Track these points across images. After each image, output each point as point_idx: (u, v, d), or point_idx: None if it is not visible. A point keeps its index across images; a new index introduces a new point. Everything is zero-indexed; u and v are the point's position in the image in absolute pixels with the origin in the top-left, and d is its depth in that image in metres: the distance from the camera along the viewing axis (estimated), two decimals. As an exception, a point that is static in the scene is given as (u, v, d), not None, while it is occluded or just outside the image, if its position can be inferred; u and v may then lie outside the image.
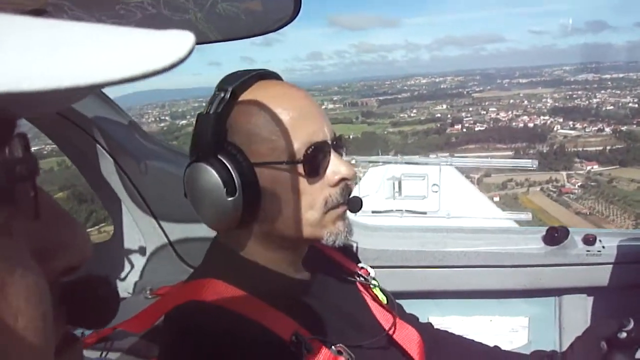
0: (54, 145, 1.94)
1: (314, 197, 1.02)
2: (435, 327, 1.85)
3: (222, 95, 0.99)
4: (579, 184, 44.59)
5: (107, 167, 1.82)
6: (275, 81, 1.09)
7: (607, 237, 1.86)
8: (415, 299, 1.90)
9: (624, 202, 42.10)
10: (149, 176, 1.81)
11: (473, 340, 1.50)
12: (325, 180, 1.03)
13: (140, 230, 1.92)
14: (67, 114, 1.73)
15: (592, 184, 44.30)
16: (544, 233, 1.84)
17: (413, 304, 1.86)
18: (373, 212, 1.93)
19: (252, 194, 0.97)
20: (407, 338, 1.31)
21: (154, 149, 1.87)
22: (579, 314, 1.89)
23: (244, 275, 1.04)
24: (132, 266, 1.92)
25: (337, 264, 1.35)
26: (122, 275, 1.90)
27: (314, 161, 1.00)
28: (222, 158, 0.96)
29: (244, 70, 1.05)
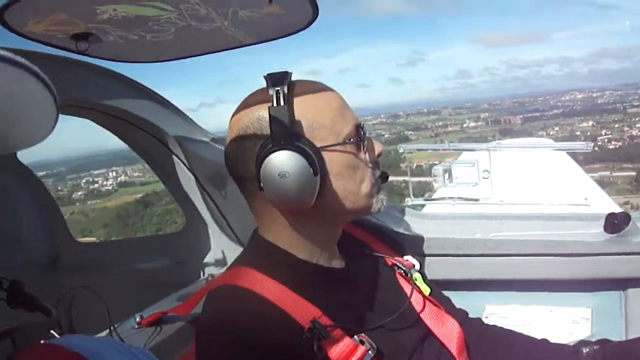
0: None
1: (364, 171, 1.24)
2: (493, 316, 1.90)
3: (282, 90, 1.15)
4: None
5: (185, 177, 2.05)
6: (304, 80, 1.27)
7: None
8: (471, 289, 1.93)
9: None
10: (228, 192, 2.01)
11: (521, 334, 1.52)
12: (368, 157, 1.25)
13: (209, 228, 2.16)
14: (155, 132, 1.96)
15: None
16: (604, 220, 1.79)
17: (469, 294, 1.92)
18: (425, 200, 1.99)
19: (325, 173, 1.17)
20: (447, 330, 1.39)
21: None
22: None
23: (276, 264, 1.20)
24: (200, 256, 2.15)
25: (378, 254, 1.46)
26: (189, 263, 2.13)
27: (363, 140, 1.23)
28: (299, 144, 1.14)
29: (280, 72, 1.21)
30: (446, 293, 1.60)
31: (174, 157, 1.98)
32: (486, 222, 1.93)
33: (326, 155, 1.18)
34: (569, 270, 1.82)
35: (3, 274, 1.28)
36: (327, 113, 1.21)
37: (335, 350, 1.09)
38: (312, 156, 1.13)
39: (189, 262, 2.12)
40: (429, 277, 1.82)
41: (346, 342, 1.11)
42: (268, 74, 1.20)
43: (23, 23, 1.24)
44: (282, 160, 1.12)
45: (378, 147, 1.29)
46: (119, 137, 2.03)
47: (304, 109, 1.19)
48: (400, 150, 1.89)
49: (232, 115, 1.27)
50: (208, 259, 2.13)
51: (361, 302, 1.28)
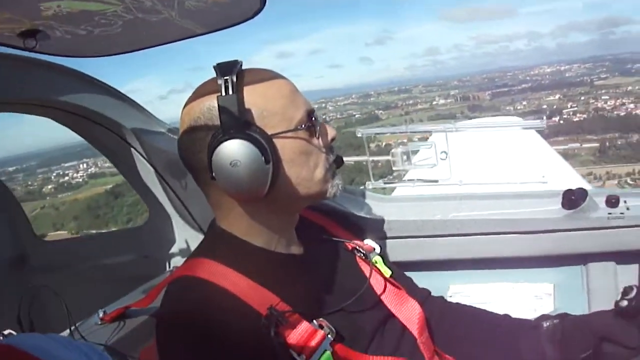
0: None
1: (318, 157, 1.25)
2: (457, 295, 1.94)
3: (231, 79, 1.15)
4: None
5: (145, 170, 2.06)
6: (254, 68, 1.27)
7: (631, 198, 1.81)
8: (435, 269, 1.98)
9: None
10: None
11: (484, 310, 1.56)
12: (321, 142, 1.26)
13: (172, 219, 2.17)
14: (112, 127, 1.97)
15: None
16: (562, 197, 1.83)
17: (432, 274, 1.96)
18: (385, 182, 2.02)
19: (278, 160, 1.18)
20: (408, 312, 1.42)
21: None
22: (608, 281, 1.85)
23: (233, 253, 1.21)
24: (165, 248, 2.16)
25: (338, 239, 1.48)
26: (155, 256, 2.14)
27: (312, 125, 1.23)
28: (250, 133, 1.14)
29: (229, 61, 1.20)
30: (410, 274, 1.62)
31: (133, 150, 1.99)
32: (446, 203, 1.96)
33: (278, 142, 1.19)
34: (529, 247, 1.86)
35: None
36: (277, 100, 1.21)
37: (293, 336, 1.10)
38: (263, 144, 1.14)
39: (154, 254, 2.13)
40: (392, 259, 1.87)
41: (305, 327, 1.13)
42: (217, 64, 1.20)
43: (-34, 23, 1.24)
44: (233, 149, 1.13)
45: (331, 132, 1.30)
46: (77, 133, 2.03)
47: (254, 97, 1.19)
48: (359, 135, 1.91)
49: (184, 107, 1.27)
50: (173, 250, 2.14)
51: (320, 287, 1.30)
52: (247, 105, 1.17)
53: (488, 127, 2.10)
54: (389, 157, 1.94)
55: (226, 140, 1.13)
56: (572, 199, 1.80)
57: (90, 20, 1.35)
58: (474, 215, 1.89)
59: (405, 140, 1.93)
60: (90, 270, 2.12)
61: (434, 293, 1.61)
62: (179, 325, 1.11)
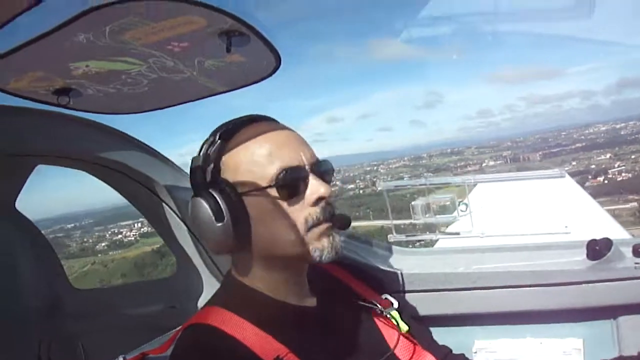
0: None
1: (294, 217, 1.23)
2: (482, 351, 1.91)
3: (211, 139, 1.25)
4: None
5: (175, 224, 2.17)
6: (261, 122, 1.31)
7: None
8: (459, 324, 1.95)
9: None
10: None
11: None
12: (305, 201, 1.24)
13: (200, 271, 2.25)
14: (146, 182, 2.10)
15: None
16: (586, 247, 1.80)
17: (456, 329, 1.94)
18: (407, 235, 2.04)
19: (239, 219, 1.21)
20: None
21: None
22: None
23: (245, 303, 1.26)
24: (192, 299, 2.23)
25: (354, 293, 1.50)
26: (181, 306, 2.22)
27: (289, 184, 1.22)
28: (212, 191, 1.21)
29: (237, 118, 1.31)
30: (433, 329, 1.64)
31: (164, 205, 2.10)
32: (468, 256, 1.96)
33: (249, 200, 1.22)
34: (554, 300, 1.83)
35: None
36: (252, 158, 1.24)
37: None
38: (218, 202, 1.19)
39: (181, 305, 2.20)
40: (413, 313, 1.87)
41: None
42: (223, 123, 1.31)
43: (6, 81, 1.38)
44: (193, 207, 1.23)
45: (323, 190, 1.25)
46: (113, 187, 2.16)
47: (230, 156, 1.25)
48: (379, 188, 1.96)
49: None
50: (199, 301, 2.21)
51: (331, 342, 1.31)
52: (222, 163, 1.25)
53: (506, 179, 2.10)
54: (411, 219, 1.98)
55: (193, 197, 1.25)
56: (597, 249, 1.78)
57: (118, 79, 1.49)
58: (496, 268, 1.88)
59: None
60: (119, 318, 2.20)
61: (458, 349, 1.61)
62: None
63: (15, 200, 2.13)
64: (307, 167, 1.25)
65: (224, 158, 1.25)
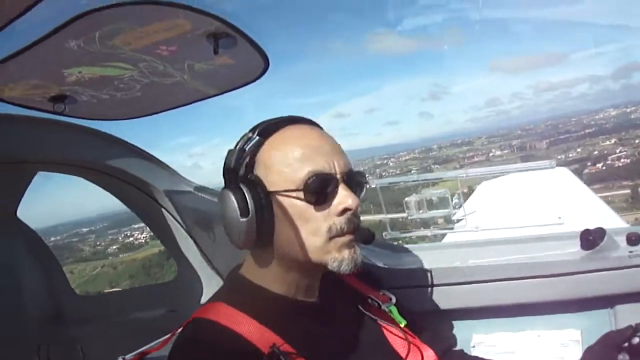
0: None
1: (318, 224, 1.25)
2: (481, 345, 1.94)
3: (249, 135, 1.29)
4: None
5: (174, 228, 2.22)
6: (300, 125, 1.34)
7: None
8: (456, 319, 2.00)
9: None
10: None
11: None
12: (331, 210, 1.26)
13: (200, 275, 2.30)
14: (143, 187, 2.14)
15: None
16: (579, 237, 1.83)
17: (455, 323, 1.98)
18: (401, 232, 2.08)
19: (264, 217, 1.24)
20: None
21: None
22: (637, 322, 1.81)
23: (246, 298, 1.30)
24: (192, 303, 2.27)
25: (353, 290, 1.54)
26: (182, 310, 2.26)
27: (316, 190, 1.24)
28: (242, 186, 1.24)
29: (278, 117, 1.34)
30: (432, 324, 1.67)
31: (163, 209, 2.15)
32: (464, 250, 2.00)
33: (276, 199, 1.24)
34: (550, 291, 1.86)
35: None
36: (286, 159, 1.25)
37: None
38: (245, 197, 1.22)
39: (182, 309, 2.24)
40: (412, 308, 1.90)
41: None
42: (263, 121, 1.34)
43: (1, 89, 1.44)
44: (221, 199, 1.26)
45: (350, 202, 1.26)
46: (112, 194, 2.22)
47: (266, 154, 1.27)
48: (373, 186, 2.00)
49: None
50: (200, 304, 2.25)
51: (330, 335, 1.34)
52: (259, 161, 1.27)
53: (498, 173, 2.14)
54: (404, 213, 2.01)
55: (223, 189, 1.27)
56: (590, 239, 1.81)
57: (111, 85, 1.55)
58: (492, 261, 1.91)
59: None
60: (119, 323, 2.25)
61: (458, 342, 1.65)
62: None
63: (16, 209, 2.19)
64: (338, 175, 1.26)
65: (258, 155, 1.27)
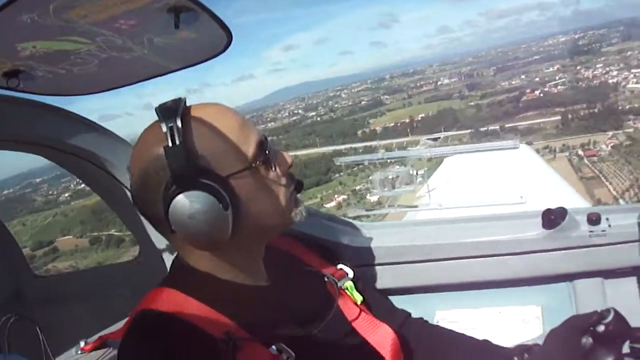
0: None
1: (278, 188, 1.29)
2: (443, 321, 1.99)
3: (175, 125, 1.16)
4: (612, 144, 42.39)
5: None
6: (198, 104, 1.29)
7: (614, 215, 1.86)
8: (419, 294, 2.04)
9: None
10: None
11: (462, 335, 1.61)
12: (278, 171, 1.29)
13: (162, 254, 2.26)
14: (86, 155, 2.07)
15: (629, 142, 41.82)
16: (541, 217, 1.88)
17: (417, 301, 2.02)
18: (366, 210, 2.10)
19: (237, 203, 1.20)
20: (380, 337, 1.46)
21: None
22: (596, 299, 1.88)
23: (196, 285, 1.27)
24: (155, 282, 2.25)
25: (306, 266, 1.54)
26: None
27: (265, 159, 1.26)
28: (204, 180, 1.16)
29: (172, 102, 1.23)
30: (394, 301, 1.70)
31: (123, 187, 2.10)
32: (426, 228, 2.04)
33: (235, 182, 1.20)
34: (512, 269, 1.92)
35: None
36: (226, 139, 1.22)
37: None
38: (219, 190, 1.15)
39: (144, 289, 2.22)
40: (375, 286, 1.94)
41: (263, 352, 1.18)
42: (159, 106, 1.22)
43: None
44: (189, 202, 1.13)
45: (288, 159, 1.33)
46: (70, 171, 2.18)
47: (202, 139, 1.19)
48: (337, 163, 2.01)
49: (132, 152, 1.30)
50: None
51: (285, 315, 1.33)
52: (197, 150, 1.18)
53: (463, 152, 2.18)
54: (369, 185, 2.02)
55: (180, 192, 1.14)
56: (552, 218, 1.86)
57: (67, 60, 1.50)
58: (454, 240, 1.96)
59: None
60: (81, 305, 2.22)
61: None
62: (133, 356, 1.18)
63: None
64: (266, 139, 1.30)
65: (196, 145, 1.19)
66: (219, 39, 1.53)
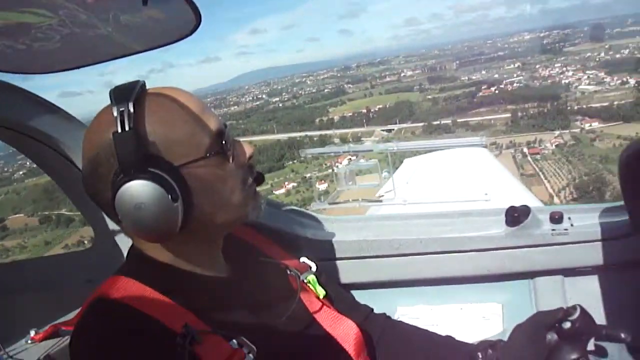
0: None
1: (234, 181, 1.23)
2: (404, 317, 2.00)
3: (127, 110, 1.10)
4: (557, 143, 45.43)
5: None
6: (156, 88, 1.23)
7: (576, 214, 1.91)
8: (381, 290, 2.05)
9: (591, 162, 42.77)
10: None
11: (426, 331, 1.62)
12: (236, 163, 1.24)
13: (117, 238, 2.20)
14: (40, 136, 1.99)
15: (572, 142, 44.98)
16: (505, 214, 1.91)
17: (379, 296, 2.02)
18: (330, 203, 2.10)
19: (189, 194, 1.14)
20: (343, 331, 1.44)
21: None
22: (556, 297, 1.92)
23: (153, 275, 1.22)
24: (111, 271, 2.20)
25: (269, 259, 1.51)
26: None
27: (223, 149, 1.20)
28: (153, 170, 1.10)
29: (127, 85, 1.17)
30: (356, 296, 1.70)
31: (77, 170, 2.02)
32: (390, 223, 2.04)
33: (187, 172, 1.15)
34: (474, 266, 1.95)
35: None
36: (182, 126, 1.17)
37: (210, 355, 1.11)
38: (168, 180, 1.11)
39: (99, 278, 2.16)
40: (337, 280, 1.93)
41: (223, 346, 1.14)
42: (113, 89, 1.17)
43: None
44: (136, 191, 1.09)
45: (248, 150, 1.28)
46: (22, 152, 2.09)
47: (156, 125, 1.14)
48: (302, 155, 2.00)
49: (84, 136, 1.22)
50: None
51: (245, 308, 1.31)
52: (149, 136, 1.13)
53: (428, 147, 2.19)
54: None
55: (127, 181, 1.09)
56: (515, 216, 1.89)
57: (27, 34, 1.44)
58: (418, 235, 1.97)
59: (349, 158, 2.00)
60: (33, 294, 2.15)
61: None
62: (85, 347, 1.13)
63: None
64: (225, 129, 1.25)
65: (146, 129, 1.14)
66: (187, 21, 1.49)
